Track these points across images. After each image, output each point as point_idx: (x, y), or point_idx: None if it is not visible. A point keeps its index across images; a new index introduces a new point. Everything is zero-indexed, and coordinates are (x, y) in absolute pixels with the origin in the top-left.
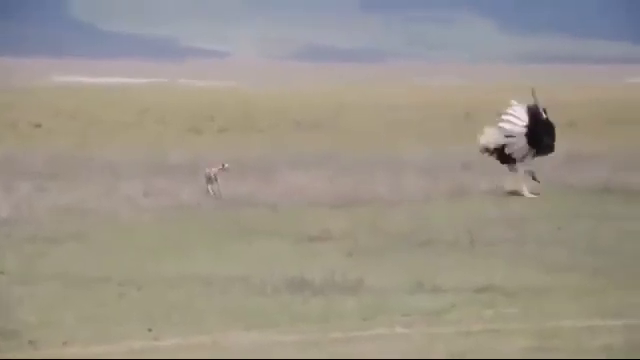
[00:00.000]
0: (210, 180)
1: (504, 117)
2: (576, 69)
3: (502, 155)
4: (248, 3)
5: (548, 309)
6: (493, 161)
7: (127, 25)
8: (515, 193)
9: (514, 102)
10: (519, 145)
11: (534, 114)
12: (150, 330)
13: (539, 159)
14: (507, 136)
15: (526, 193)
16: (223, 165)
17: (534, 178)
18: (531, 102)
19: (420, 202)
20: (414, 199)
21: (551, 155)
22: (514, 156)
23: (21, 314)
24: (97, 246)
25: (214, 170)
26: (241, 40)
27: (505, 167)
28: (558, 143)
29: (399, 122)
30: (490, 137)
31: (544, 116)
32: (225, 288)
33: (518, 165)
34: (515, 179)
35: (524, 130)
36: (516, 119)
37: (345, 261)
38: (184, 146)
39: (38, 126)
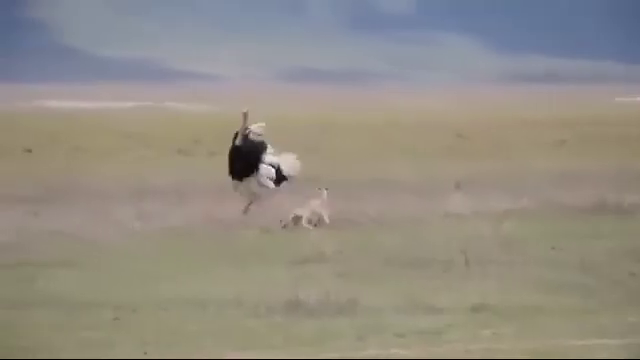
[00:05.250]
0: (296, 220)
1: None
2: (563, 89)
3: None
4: (232, 24)
5: (543, 328)
6: (487, 182)
7: (112, 48)
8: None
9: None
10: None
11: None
12: (145, 353)
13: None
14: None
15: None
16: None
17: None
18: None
19: (413, 222)
20: (407, 219)
21: (545, 174)
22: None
23: (13, 340)
24: (91, 270)
25: (314, 203)
26: (226, 62)
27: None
28: (550, 162)
29: (389, 143)
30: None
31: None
32: (219, 310)
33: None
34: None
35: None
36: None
37: (339, 282)
38: (173, 169)
39: (29, 151)
